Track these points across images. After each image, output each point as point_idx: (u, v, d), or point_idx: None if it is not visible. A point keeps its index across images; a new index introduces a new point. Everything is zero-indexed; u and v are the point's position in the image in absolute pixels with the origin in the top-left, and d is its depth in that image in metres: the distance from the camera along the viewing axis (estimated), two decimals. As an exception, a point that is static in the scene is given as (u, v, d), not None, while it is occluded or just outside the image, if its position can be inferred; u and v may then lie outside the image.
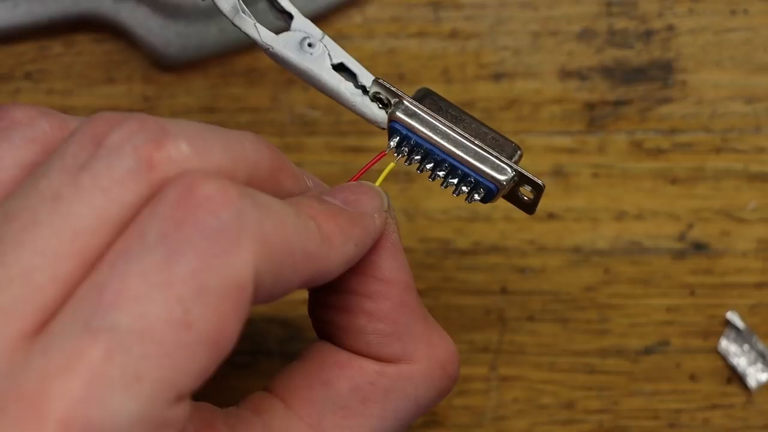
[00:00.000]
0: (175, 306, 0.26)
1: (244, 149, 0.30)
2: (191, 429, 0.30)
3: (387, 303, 0.34)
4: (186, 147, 0.29)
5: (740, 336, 0.46)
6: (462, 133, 0.35)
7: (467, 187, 0.36)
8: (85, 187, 0.28)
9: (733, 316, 0.46)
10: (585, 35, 0.47)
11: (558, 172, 0.47)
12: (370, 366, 0.34)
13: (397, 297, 0.34)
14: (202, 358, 0.27)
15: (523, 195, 0.36)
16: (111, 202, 0.28)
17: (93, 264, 0.27)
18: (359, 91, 0.37)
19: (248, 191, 0.29)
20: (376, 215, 0.34)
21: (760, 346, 0.46)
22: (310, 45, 0.36)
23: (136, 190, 0.28)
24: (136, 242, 0.27)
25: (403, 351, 0.34)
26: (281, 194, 0.32)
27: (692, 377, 0.47)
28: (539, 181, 0.35)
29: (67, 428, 0.25)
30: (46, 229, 0.27)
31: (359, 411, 0.33)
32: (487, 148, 0.35)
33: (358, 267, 0.34)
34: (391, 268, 0.34)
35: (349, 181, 0.36)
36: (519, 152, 0.36)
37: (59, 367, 0.26)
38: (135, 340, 0.26)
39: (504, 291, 0.47)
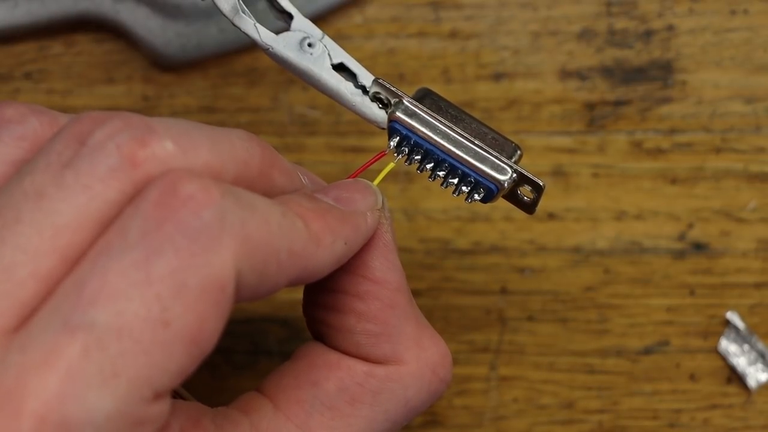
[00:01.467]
0: (153, 304, 0.27)
1: (233, 147, 0.30)
2: (176, 426, 0.30)
3: (376, 303, 0.34)
4: (171, 145, 0.29)
5: (740, 336, 0.46)
6: (462, 132, 0.35)
7: (467, 187, 0.36)
8: (68, 185, 0.28)
9: (733, 316, 0.46)
10: (585, 35, 0.47)
11: (558, 172, 0.47)
12: (358, 367, 0.34)
13: (387, 298, 0.34)
14: (181, 356, 0.27)
15: (523, 195, 0.36)
16: (93, 199, 0.28)
17: (75, 261, 0.28)
18: (359, 91, 0.37)
19: (232, 190, 0.29)
20: (368, 213, 0.34)
21: (760, 346, 0.46)
22: (310, 45, 0.36)
23: (119, 187, 0.28)
24: (117, 240, 0.27)
25: (393, 352, 0.34)
26: (273, 191, 0.32)
27: (692, 377, 0.47)
28: (539, 181, 0.35)
29: (43, 424, 0.26)
30: (28, 227, 0.27)
31: (347, 412, 0.33)
32: (487, 148, 0.35)
33: (350, 266, 0.34)
34: (382, 269, 0.34)
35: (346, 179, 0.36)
36: (519, 152, 0.36)
37: (36, 363, 0.26)
38: (112, 338, 0.26)
39: (504, 291, 0.47)
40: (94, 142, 0.28)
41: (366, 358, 0.34)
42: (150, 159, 0.28)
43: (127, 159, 0.28)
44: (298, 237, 0.30)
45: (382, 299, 0.34)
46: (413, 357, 0.34)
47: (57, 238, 0.27)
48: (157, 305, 0.27)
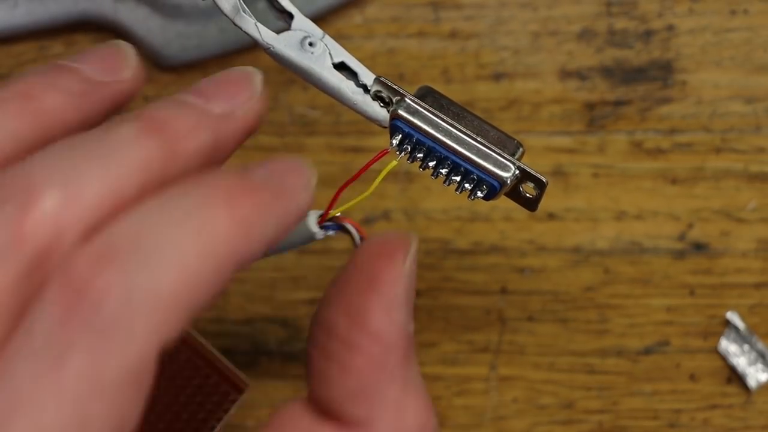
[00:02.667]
0: (70, 410, 0.25)
1: (126, 156, 0.28)
2: None
3: (363, 359, 0.31)
4: (55, 199, 0.27)
5: (740, 336, 0.46)
6: (464, 130, 0.35)
7: (470, 184, 0.35)
8: None
9: (733, 316, 0.46)
10: (585, 35, 0.47)
11: (558, 172, 0.47)
12: None
13: (378, 354, 0.31)
14: None
15: (525, 192, 0.36)
16: None
17: None
18: (360, 90, 0.36)
19: (133, 256, 0.27)
20: (303, 191, 0.30)
21: (760, 346, 0.46)
22: (310, 44, 0.36)
23: (16, 271, 0.26)
24: (24, 345, 0.26)
25: (367, 415, 0.32)
26: (190, 173, 0.29)
27: (692, 377, 0.47)
28: (542, 178, 0.35)
29: None
30: None
31: None
32: (490, 145, 0.35)
33: (350, 308, 0.32)
34: (381, 321, 0.31)
35: (349, 180, 0.35)
36: (521, 149, 0.36)
37: None
38: None
39: (504, 291, 0.47)
40: None
41: (341, 417, 0.32)
42: (37, 227, 0.26)
43: (13, 236, 0.26)
44: (223, 242, 0.28)
45: (370, 355, 0.31)
46: (387, 425, 0.32)
47: None
48: (75, 410, 0.25)
